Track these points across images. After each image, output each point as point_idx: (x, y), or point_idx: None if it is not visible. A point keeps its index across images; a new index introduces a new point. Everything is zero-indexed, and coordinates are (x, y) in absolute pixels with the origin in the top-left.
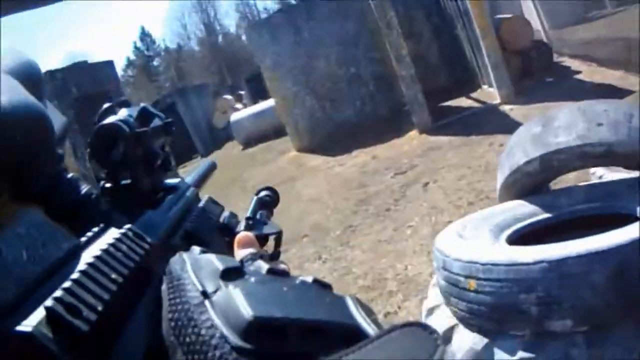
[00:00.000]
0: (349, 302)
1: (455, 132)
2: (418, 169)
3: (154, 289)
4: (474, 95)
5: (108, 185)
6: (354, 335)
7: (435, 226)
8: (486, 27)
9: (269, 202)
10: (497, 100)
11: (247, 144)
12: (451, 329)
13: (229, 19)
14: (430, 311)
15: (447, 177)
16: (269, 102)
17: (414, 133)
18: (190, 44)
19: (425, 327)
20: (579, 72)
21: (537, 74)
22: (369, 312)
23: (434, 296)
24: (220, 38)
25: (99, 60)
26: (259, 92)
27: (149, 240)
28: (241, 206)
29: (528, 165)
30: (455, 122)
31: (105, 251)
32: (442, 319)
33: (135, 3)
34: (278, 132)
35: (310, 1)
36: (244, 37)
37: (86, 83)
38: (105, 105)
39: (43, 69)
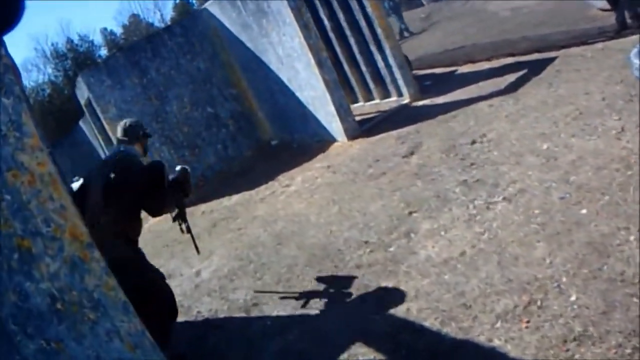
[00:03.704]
0: None
1: (396, 127)
2: (429, 144)
3: None
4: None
5: None
6: None
7: (570, 136)
8: (387, 28)
9: None
10: (407, 100)
11: None
12: None
13: None
14: None
15: (498, 129)
16: None
17: (340, 142)
18: None
19: None
20: (454, 71)
21: None
22: None
23: None
24: None
25: None
26: None
27: None
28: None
29: None
30: (378, 125)
31: None
32: None
33: None
34: None
35: (153, 38)
36: None
37: None
38: None
39: None
